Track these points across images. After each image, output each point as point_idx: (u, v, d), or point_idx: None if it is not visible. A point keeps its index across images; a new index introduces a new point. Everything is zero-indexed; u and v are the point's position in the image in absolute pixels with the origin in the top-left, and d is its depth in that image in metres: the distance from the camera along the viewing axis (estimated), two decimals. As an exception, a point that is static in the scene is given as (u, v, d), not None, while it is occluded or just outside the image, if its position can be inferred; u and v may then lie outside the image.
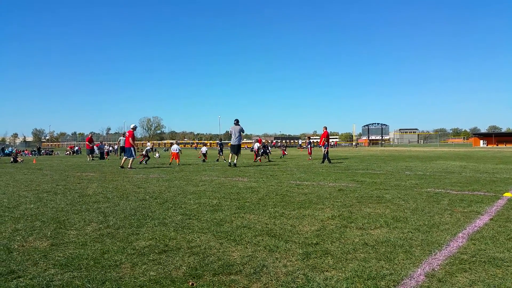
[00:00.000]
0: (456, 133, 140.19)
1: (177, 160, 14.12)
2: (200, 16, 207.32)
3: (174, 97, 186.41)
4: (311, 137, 27.46)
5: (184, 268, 2.58)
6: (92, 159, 20.28)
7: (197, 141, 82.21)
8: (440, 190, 6.28)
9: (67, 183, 7.98)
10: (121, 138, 22.70)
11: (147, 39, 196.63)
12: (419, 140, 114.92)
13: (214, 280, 2.36)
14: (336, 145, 79.24)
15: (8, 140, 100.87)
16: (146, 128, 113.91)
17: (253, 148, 18.11)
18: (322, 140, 14.64)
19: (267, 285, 2.30)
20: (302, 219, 4.08)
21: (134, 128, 12.74)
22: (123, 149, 22.79)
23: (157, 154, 17.29)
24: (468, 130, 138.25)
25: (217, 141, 19.29)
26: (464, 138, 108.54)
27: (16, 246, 3.12)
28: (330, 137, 20.32)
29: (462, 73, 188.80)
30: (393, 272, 2.48)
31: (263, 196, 5.72)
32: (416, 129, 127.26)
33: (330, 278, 2.38)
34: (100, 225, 3.85)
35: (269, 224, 3.85)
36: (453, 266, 2.56)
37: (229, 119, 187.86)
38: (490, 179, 8.00)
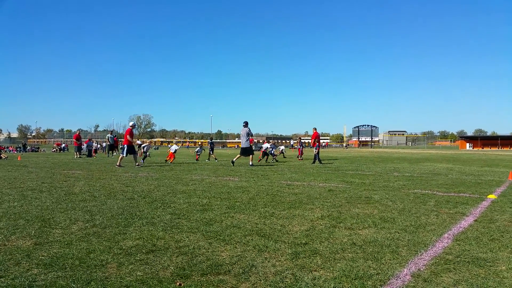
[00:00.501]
0: (444, 135, 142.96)
1: (171, 159, 14.35)
2: (192, 14, 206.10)
3: (165, 95, 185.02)
4: (302, 138, 27.63)
5: (172, 268, 2.55)
6: (80, 157, 19.91)
7: (188, 140, 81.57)
8: (427, 191, 6.39)
9: (53, 181, 7.81)
10: (109, 135, 22.38)
11: (138, 36, 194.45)
12: (408, 142, 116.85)
13: (202, 280, 2.34)
14: (327, 146, 79.91)
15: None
16: (136, 126, 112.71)
17: (261, 147, 18.00)
18: (313, 141, 14.74)
19: (255, 285, 2.29)
20: (292, 219, 4.09)
21: (133, 126, 12.60)
22: (111, 147, 22.59)
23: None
24: (455, 133, 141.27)
25: (208, 140, 19.17)
26: (451, 140, 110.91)
27: (-2, 245, 3.04)
28: (321, 138, 20.42)
29: (451, 78, 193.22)
30: (380, 272, 2.50)
31: (254, 196, 5.72)
32: (405, 131, 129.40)
33: (318, 278, 2.39)
34: (86, 224, 3.78)
35: (259, 224, 3.84)
36: (438, 266, 2.61)
37: (221, 118, 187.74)
38: (475, 181, 8.18)
